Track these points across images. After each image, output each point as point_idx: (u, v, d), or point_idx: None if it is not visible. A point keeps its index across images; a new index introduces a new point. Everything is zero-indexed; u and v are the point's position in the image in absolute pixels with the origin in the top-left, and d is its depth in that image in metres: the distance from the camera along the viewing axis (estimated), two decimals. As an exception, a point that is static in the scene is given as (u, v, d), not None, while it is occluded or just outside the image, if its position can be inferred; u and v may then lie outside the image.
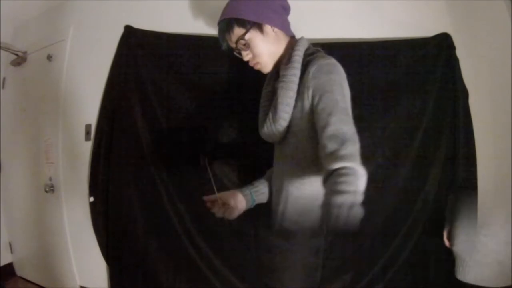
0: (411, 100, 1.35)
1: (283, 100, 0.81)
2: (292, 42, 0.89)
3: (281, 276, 0.89)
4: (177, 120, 1.42)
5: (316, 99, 0.74)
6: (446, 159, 1.36)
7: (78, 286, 1.75)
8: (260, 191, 1.02)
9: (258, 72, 0.94)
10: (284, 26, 0.90)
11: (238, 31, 0.84)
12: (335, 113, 0.70)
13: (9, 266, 2.14)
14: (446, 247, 1.38)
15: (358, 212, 0.55)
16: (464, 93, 1.36)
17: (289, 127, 0.84)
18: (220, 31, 0.90)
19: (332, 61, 0.79)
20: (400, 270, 1.36)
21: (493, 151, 1.44)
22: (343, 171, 0.61)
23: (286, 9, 0.93)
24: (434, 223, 1.37)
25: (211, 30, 1.43)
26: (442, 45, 1.35)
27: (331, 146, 0.66)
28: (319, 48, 0.90)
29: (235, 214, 0.94)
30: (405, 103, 1.35)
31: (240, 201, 0.96)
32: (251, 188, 1.01)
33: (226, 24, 0.86)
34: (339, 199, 0.56)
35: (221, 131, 1.40)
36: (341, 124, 0.68)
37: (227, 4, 0.89)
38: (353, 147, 0.65)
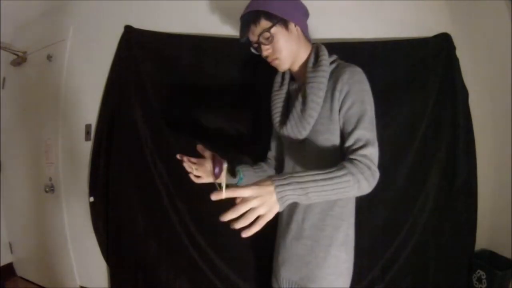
0: (411, 100, 1.35)
1: (313, 98, 0.85)
2: (316, 47, 0.93)
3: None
4: (177, 120, 1.42)
5: (347, 104, 0.81)
6: (446, 159, 1.36)
7: (78, 286, 1.76)
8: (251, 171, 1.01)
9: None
10: (305, 29, 0.94)
11: (264, 23, 0.87)
12: (363, 121, 0.79)
13: (9, 266, 2.14)
14: (446, 247, 1.38)
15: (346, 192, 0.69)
16: (464, 93, 1.36)
17: (313, 125, 0.88)
18: (244, 22, 0.92)
19: (359, 69, 0.85)
20: (400, 270, 1.36)
21: (493, 151, 1.44)
22: (361, 161, 0.73)
23: (307, 15, 0.97)
24: (434, 223, 1.37)
25: (212, 30, 1.42)
26: (442, 45, 1.34)
27: (355, 146, 0.77)
28: (335, 55, 0.93)
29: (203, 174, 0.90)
30: (405, 103, 1.35)
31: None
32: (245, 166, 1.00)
33: (253, 16, 0.88)
34: (348, 177, 0.68)
35: (220, 131, 1.40)
36: (366, 131, 0.78)
37: None
38: (373, 149, 0.77)
